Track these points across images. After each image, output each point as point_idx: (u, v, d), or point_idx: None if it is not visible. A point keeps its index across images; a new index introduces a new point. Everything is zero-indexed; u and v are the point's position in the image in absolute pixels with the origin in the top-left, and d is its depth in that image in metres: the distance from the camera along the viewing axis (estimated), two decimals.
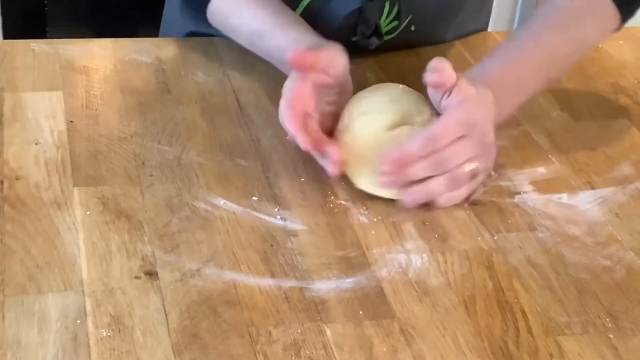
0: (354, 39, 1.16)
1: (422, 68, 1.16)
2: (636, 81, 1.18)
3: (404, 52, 1.19)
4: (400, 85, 1.00)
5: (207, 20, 1.14)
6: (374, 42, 1.17)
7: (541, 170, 1.00)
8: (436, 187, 0.92)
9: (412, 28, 1.19)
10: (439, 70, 0.92)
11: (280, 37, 1.05)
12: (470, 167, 0.92)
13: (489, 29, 1.33)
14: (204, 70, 1.11)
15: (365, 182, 0.94)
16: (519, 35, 1.06)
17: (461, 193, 0.93)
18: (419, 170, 0.91)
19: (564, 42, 1.04)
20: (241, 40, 1.12)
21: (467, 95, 0.92)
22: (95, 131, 1.00)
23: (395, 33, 1.18)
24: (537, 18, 1.07)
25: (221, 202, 0.91)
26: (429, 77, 0.92)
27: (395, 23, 1.17)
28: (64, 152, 0.96)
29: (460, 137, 0.92)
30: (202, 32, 1.21)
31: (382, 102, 0.97)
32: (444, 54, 1.19)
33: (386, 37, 1.17)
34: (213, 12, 1.13)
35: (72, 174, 0.93)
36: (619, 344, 0.79)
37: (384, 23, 1.16)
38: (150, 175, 0.94)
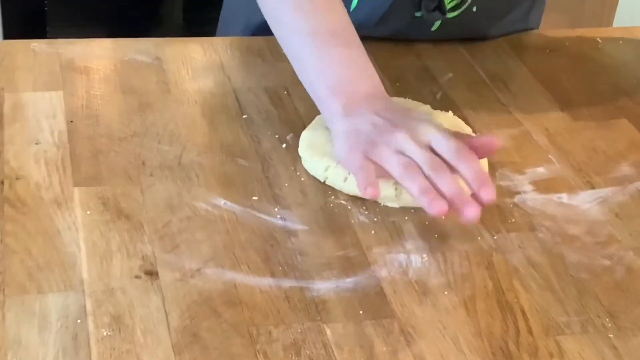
0: (417, 14, 1.16)
1: (421, 68, 1.17)
2: (636, 81, 1.18)
3: (403, 52, 1.19)
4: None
5: None
6: (437, 16, 1.16)
7: (541, 170, 1.00)
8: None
9: (474, 9, 1.18)
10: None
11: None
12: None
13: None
14: (204, 70, 1.11)
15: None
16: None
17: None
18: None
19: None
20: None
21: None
22: (95, 131, 1.00)
23: (458, 11, 1.18)
24: None
25: (221, 202, 0.91)
26: None
27: (458, 0, 1.17)
28: (64, 152, 0.96)
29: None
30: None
31: None
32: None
33: (449, 15, 1.17)
34: None
35: (72, 174, 0.93)
36: (619, 344, 0.79)
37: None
38: (150, 175, 0.94)
